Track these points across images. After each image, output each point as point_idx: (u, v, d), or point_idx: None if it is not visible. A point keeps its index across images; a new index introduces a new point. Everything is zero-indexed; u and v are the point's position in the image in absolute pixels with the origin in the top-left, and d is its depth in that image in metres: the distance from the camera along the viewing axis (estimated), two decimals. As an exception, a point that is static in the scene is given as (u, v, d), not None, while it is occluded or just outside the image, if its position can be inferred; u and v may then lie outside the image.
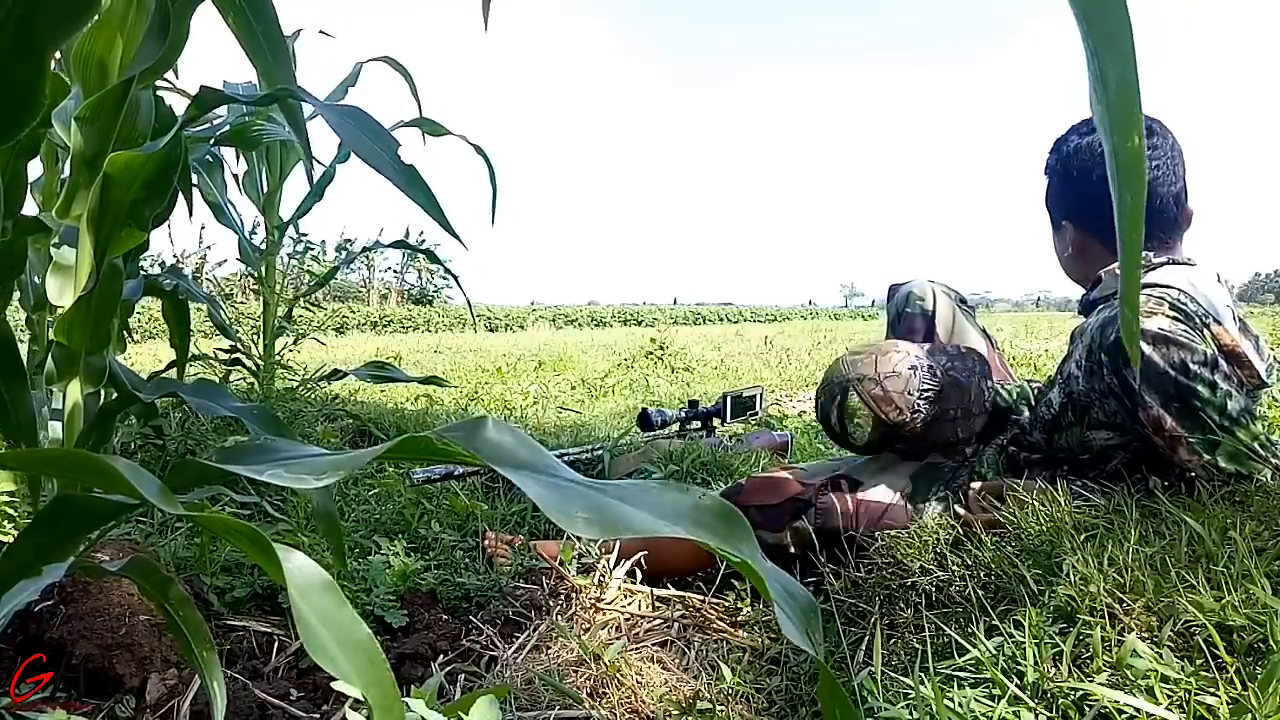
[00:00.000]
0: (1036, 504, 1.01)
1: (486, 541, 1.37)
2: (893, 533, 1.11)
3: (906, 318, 1.55)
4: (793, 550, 1.30)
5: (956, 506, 1.17)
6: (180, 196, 1.27)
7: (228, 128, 1.73)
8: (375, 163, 0.73)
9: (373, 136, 0.74)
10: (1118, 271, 1.06)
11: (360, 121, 0.75)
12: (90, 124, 0.76)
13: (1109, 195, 0.82)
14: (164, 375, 1.67)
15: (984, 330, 1.57)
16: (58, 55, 1.05)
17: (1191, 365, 1.01)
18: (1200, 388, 1.01)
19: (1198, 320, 1.07)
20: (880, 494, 1.29)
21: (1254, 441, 1.01)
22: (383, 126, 0.76)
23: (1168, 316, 1.05)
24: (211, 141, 1.77)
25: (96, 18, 0.76)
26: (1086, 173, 1.26)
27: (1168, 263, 1.19)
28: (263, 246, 2.49)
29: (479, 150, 1.60)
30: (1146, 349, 1.03)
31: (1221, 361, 1.04)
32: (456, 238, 0.81)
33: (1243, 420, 1.01)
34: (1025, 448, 1.27)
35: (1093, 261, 1.27)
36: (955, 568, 0.95)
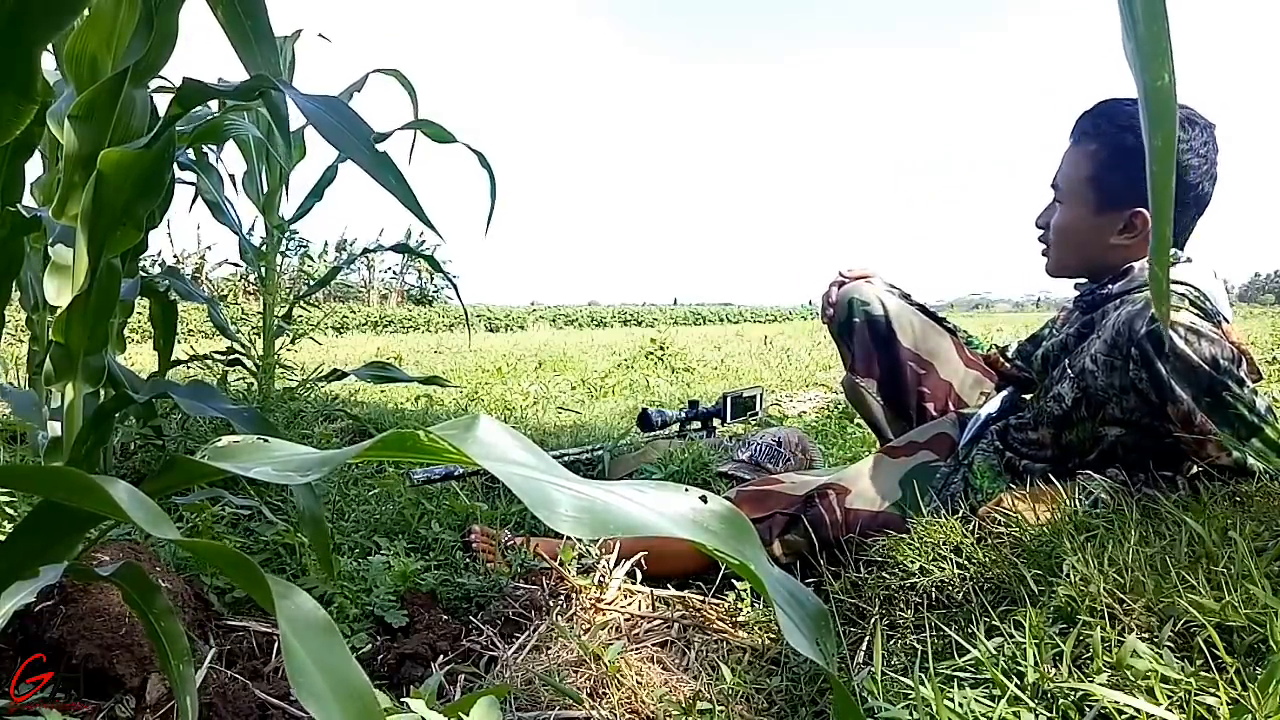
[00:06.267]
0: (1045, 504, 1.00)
1: (472, 536, 1.36)
2: (893, 533, 1.10)
3: (856, 328, 1.46)
4: (783, 562, 1.28)
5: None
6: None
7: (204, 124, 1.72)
8: (350, 152, 0.72)
9: (348, 126, 0.73)
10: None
11: (335, 111, 0.74)
12: (83, 122, 0.76)
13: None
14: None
15: (942, 321, 1.50)
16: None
17: (1222, 361, 0.99)
18: (1231, 383, 0.99)
19: (1214, 318, 1.06)
20: (868, 501, 1.27)
21: None
22: (359, 116, 0.74)
23: (1191, 313, 1.03)
24: (189, 141, 1.75)
25: (87, 14, 0.76)
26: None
27: (1186, 259, 1.17)
28: (262, 247, 2.49)
29: (481, 159, 1.59)
30: (1179, 342, 1.00)
31: (1242, 360, 1.02)
32: (432, 228, 0.80)
33: (1269, 418, 1.00)
34: (1025, 445, 1.23)
35: (1134, 250, 1.18)
36: (955, 568, 0.95)
